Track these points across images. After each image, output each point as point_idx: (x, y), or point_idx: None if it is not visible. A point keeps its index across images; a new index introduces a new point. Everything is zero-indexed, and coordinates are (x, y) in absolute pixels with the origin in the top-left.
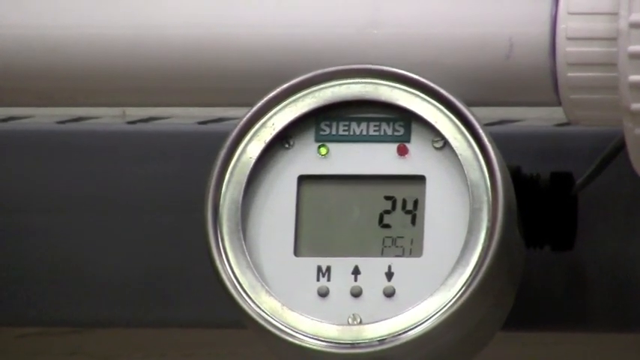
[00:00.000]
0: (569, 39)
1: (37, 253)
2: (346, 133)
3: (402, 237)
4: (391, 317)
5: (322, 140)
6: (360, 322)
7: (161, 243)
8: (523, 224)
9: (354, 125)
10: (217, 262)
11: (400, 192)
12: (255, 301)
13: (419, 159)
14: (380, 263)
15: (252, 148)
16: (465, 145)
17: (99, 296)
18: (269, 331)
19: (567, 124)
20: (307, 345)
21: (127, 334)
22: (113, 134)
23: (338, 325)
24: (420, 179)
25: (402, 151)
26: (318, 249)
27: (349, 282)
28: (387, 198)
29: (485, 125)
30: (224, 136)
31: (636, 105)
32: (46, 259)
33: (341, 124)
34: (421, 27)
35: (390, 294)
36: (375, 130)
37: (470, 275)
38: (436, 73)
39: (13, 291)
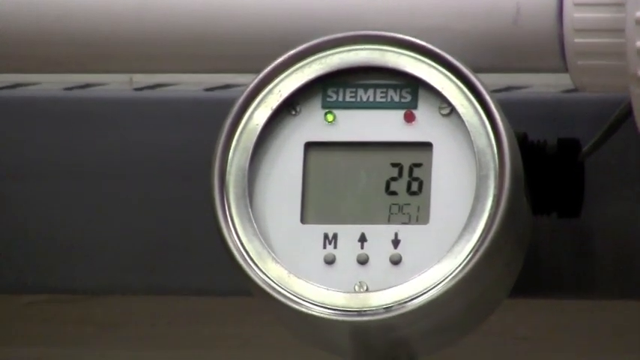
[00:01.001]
0: (576, 5)
1: (45, 220)
2: (353, 99)
3: (408, 204)
4: (398, 285)
5: (329, 107)
6: (367, 290)
7: (168, 210)
8: (530, 191)
9: (360, 92)
10: (224, 230)
11: (407, 159)
12: (261, 268)
13: (426, 126)
14: (386, 230)
15: (259, 114)
16: (471, 111)
17: (107, 264)
18: (275, 299)
19: (574, 90)
20: (313, 312)
21: (135, 301)
22: (120, 101)
23: (344, 292)
24: (426, 146)
25: (409, 118)
26: (324, 216)
27: (356, 249)
28: (394, 165)
29: (492, 92)
30: (231, 102)
31: None
32: (53, 227)
33: (348, 90)
34: None
35: (396, 261)
36: (381, 97)
37: (476, 242)
38: (443, 39)
39: (22, 259)
